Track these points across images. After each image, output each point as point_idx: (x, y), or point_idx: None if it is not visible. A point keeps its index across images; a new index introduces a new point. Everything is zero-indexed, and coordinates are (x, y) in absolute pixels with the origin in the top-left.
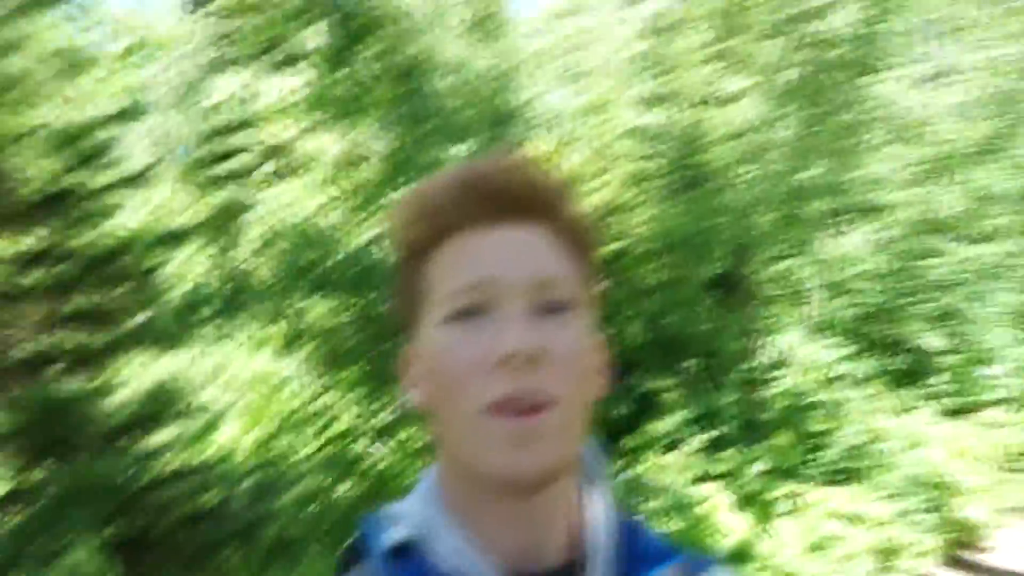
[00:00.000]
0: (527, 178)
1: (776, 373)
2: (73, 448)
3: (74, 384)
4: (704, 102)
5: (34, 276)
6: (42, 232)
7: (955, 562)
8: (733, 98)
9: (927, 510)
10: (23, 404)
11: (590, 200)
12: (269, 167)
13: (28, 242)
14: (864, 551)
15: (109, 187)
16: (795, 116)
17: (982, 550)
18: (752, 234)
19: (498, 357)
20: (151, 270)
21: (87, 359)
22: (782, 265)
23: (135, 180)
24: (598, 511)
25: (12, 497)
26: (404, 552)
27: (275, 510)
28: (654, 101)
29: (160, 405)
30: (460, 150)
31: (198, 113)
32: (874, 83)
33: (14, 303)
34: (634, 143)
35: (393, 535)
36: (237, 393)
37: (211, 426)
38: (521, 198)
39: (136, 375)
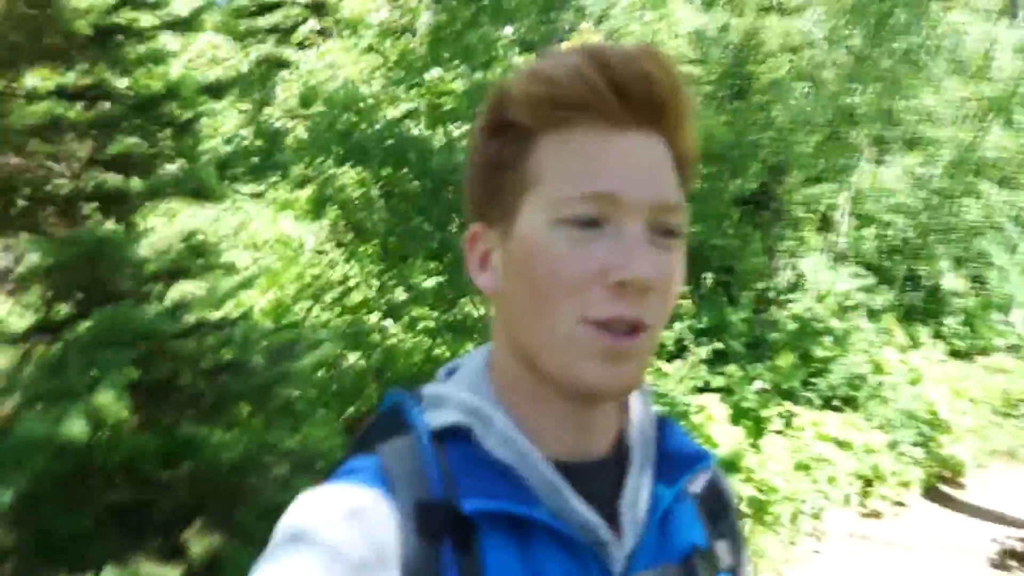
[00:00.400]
0: (670, 85)
1: (791, 295)
2: (104, 290)
3: (109, 226)
4: (765, 9)
5: (76, 112)
6: (86, 68)
7: (933, 495)
8: (796, 9)
9: (915, 444)
10: (59, 241)
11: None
12: (313, 24)
13: (72, 77)
14: (847, 475)
15: (155, 28)
16: (856, 36)
17: (961, 487)
18: (792, 153)
19: (618, 279)
20: (196, 117)
21: (123, 202)
22: (816, 189)
23: (181, 24)
24: (639, 410)
25: (42, 329)
26: (450, 435)
27: (291, 372)
28: (714, 2)
29: (190, 256)
30: (507, 32)
31: None
32: (943, 10)
33: (54, 138)
34: (687, 45)
35: (441, 417)
36: (259, 253)
37: (248, 283)
38: (659, 104)
39: (169, 224)
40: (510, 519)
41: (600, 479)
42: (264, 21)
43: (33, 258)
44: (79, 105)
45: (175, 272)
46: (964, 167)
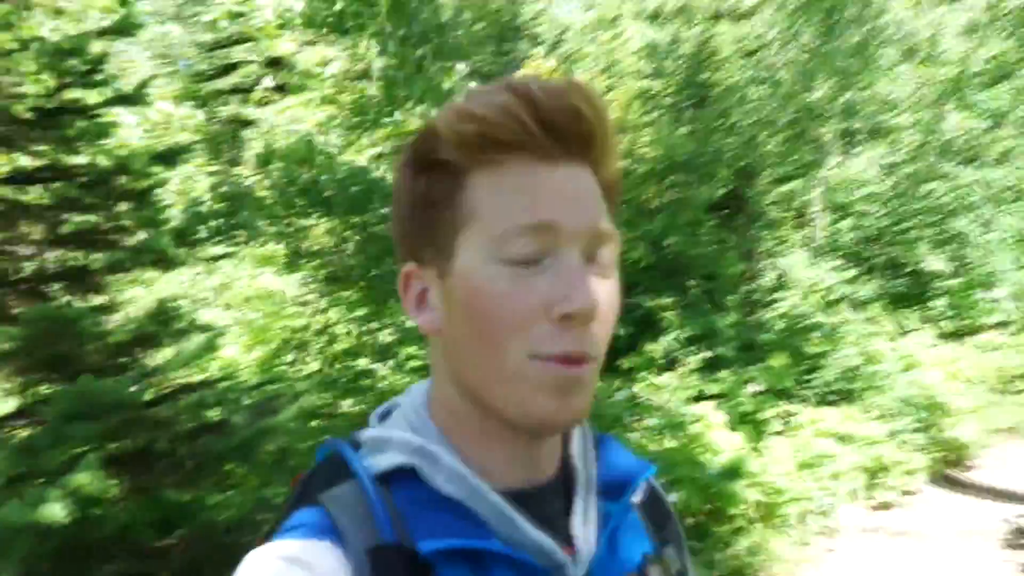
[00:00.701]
0: (597, 119)
1: (776, 295)
2: (75, 366)
3: (75, 303)
4: (716, 17)
5: (32, 194)
6: (39, 149)
7: (943, 479)
8: (746, 14)
9: (917, 430)
10: (25, 321)
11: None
12: (269, 82)
13: (25, 160)
14: (853, 469)
15: (106, 103)
16: (806, 34)
17: (969, 468)
18: (758, 155)
19: (562, 312)
20: (150, 188)
21: (86, 278)
22: (787, 187)
23: (132, 97)
24: (577, 430)
25: (17, 414)
26: (394, 477)
27: (276, 425)
28: (664, 16)
29: (161, 323)
30: (462, 68)
31: (198, 26)
32: (885, 1)
33: (13, 221)
34: (642, 60)
35: (386, 460)
36: (239, 311)
37: (212, 344)
38: (587, 137)
39: (137, 294)
40: (465, 554)
41: (549, 502)
42: (224, 82)
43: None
44: (33, 188)
45: (144, 340)
46: (927, 150)
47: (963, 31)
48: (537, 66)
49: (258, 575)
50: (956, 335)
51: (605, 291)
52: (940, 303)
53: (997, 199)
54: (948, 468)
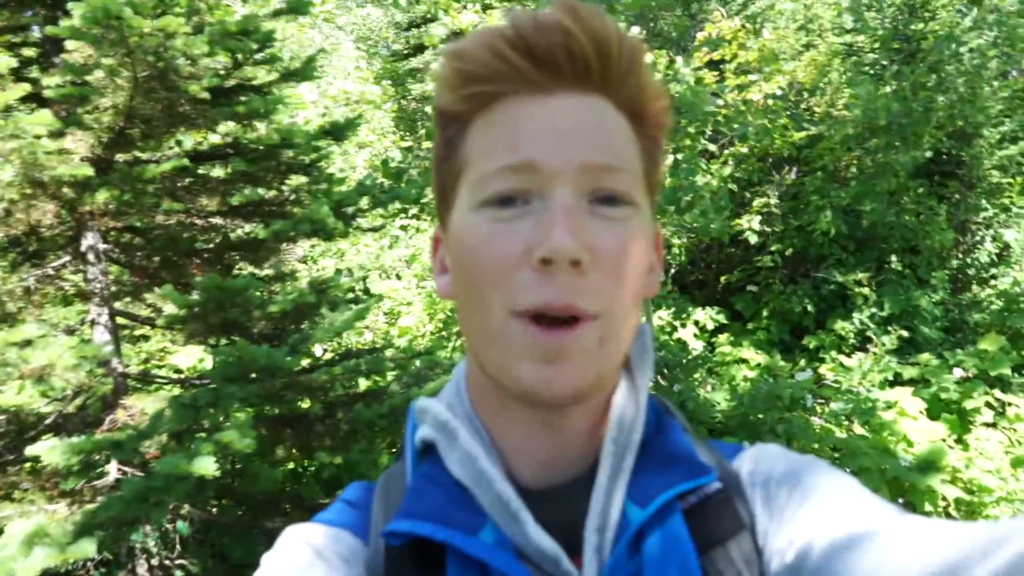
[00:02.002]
0: (590, 37)
1: (995, 271)
2: (242, 332)
3: (246, 271)
4: None
5: (210, 169)
6: (220, 127)
7: None
8: None
9: None
10: (200, 289)
11: (789, 78)
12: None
13: (209, 137)
14: None
15: (277, 80)
16: None
17: None
18: (976, 114)
19: (537, 256)
20: (315, 161)
21: (256, 248)
22: (1013, 149)
23: (300, 72)
24: (622, 410)
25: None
26: (427, 451)
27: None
28: None
29: (320, 293)
30: (636, 31)
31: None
32: None
33: (194, 195)
34: (842, 14)
35: (421, 434)
36: (423, 280)
37: (361, 315)
38: (581, 60)
39: (325, 264)
40: (474, 559)
41: (573, 501)
42: (417, 61)
43: (173, 308)
44: (216, 164)
45: (301, 310)
46: None
47: None
48: (721, 27)
49: (280, 558)
50: None
51: (606, 233)
52: None
53: None
54: None
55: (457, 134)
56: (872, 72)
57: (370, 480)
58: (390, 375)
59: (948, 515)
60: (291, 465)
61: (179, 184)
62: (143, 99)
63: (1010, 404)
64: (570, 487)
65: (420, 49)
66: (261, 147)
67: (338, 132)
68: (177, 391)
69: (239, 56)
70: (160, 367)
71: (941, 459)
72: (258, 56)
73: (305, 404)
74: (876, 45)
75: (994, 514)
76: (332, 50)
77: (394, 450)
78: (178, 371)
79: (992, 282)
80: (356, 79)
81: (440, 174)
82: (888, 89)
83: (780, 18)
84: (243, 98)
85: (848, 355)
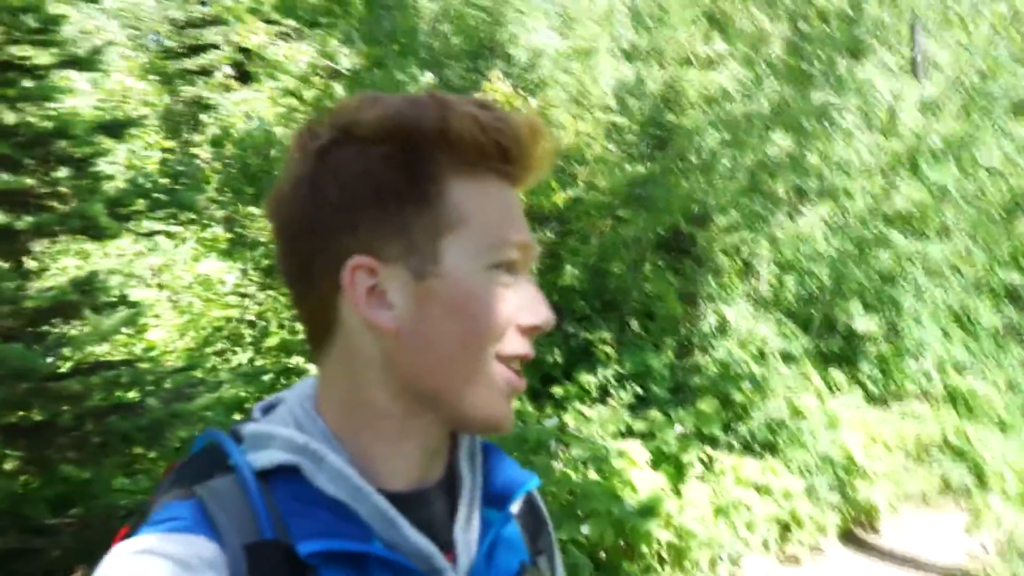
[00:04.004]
0: (548, 162)
1: (713, 341)
2: None
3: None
4: (686, 62)
5: None
6: None
7: (849, 539)
8: (713, 62)
9: (832, 488)
10: None
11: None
12: (228, 69)
13: None
14: (766, 520)
15: (56, 65)
16: (772, 89)
17: (876, 531)
18: (712, 202)
19: (534, 323)
20: (90, 156)
21: (10, 240)
22: (736, 236)
23: (85, 61)
24: (466, 437)
25: None
26: (275, 474)
27: (189, 411)
28: (636, 55)
29: (84, 294)
30: (427, 77)
31: (173, 1)
32: (853, 66)
33: None
34: (610, 95)
35: (267, 457)
36: (176, 295)
37: (132, 320)
38: (534, 173)
39: (69, 264)
40: (346, 556)
41: (434, 505)
42: (191, 63)
43: None
44: None
45: (61, 309)
46: (875, 217)
47: (921, 106)
48: (495, 88)
49: (125, 572)
50: (881, 399)
51: None
52: (869, 366)
53: (933, 272)
54: (857, 529)
55: (434, 186)
56: (629, 151)
57: (105, 500)
58: (145, 390)
59: (660, 557)
60: (19, 480)
61: None
62: None
63: (716, 460)
64: (429, 494)
65: (196, 50)
66: (26, 132)
67: (117, 129)
68: None
69: (16, 33)
70: None
71: (659, 506)
72: (37, 37)
73: (37, 415)
74: (635, 128)
75: (696, 557)
76: (93, 33)
77: (135, 469)
78: None
79: (712, 351)
80: (123, 71)
81: (396, 213)
82: (641, 167)
83: (555, 87)
84: (17, 78)
85: (590, 406)
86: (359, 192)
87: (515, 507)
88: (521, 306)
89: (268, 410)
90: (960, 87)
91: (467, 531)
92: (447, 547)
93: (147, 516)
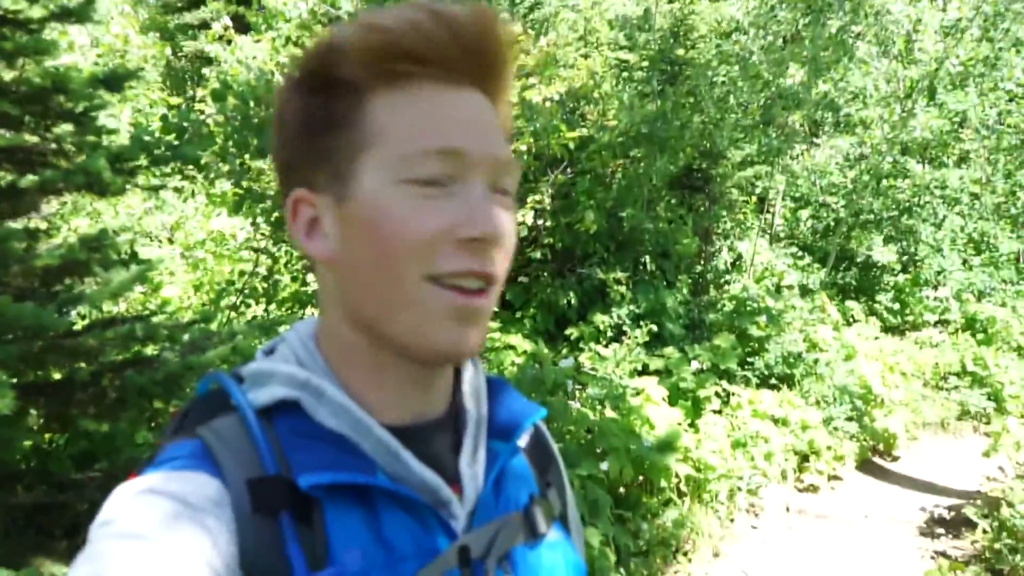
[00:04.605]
0: (506, 47)
1: (728, 277)
2: (2, 287)
3: (6, 222)
4: None
5: None
6: None
7: (867, 467)
8: None
9: (849, 419)
10: None
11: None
12: (227, 20)
13: None
14: (785, 451)
15: (47, 18)
16: (785, 20)
17: (894, 459)
18: (724, 136)
19: (468, 235)
20: (89, 111)
21: (17, 198)
22: (750, 171)
23: (77, 12)
24: (470, 370)
25: None
26: (277, 411)
27: (204, 362)
28: None
29: (94, 250)
30: None
31: None
32: None
33: None
34: (618, 31)
35: (267, 393)
36: (188, 251)
37: (144, 277)
38: (492, 65)
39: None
40: (351, 489)
41: (438, 439)
42: (192, 16)
43: None
44: None
45: (72, 267)
46: (892, 146)
47: (943, 30)
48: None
49: (131, 508)
50: (898, 329)
51: (509, 220)
52: (886, 297)
53: (951, 200)
54: (875, 457)
55: (354, 103)
56: (639, 88)
57: (128, 454)
58: (161, 344)
59: (679, 490)
60: (43, 436)
61: None
62: None
63: (734, 394)
64: (432, 428)
65: (196, 3)
66: (23, 89)
67: (115, 82)
68: None
69: None
70: None
71: (677, 441)
72: None
73: (57, 373)
74: (645, 64)
75: (715, 489)
76: None
77: (157, 423)
78: None
79: (726, 287)
80: (122, 25)
81: (320, 140)
82: (652, 105)
83: (562, 25)
84: (3, 30)
85: (605, 346)
86: (293, 128)
87: (523, 441)
88: (456, 220)
89: (270, 352)
90: (980, 9)
91: (473, 464)
92: (453, 480)
93: (151, 460)
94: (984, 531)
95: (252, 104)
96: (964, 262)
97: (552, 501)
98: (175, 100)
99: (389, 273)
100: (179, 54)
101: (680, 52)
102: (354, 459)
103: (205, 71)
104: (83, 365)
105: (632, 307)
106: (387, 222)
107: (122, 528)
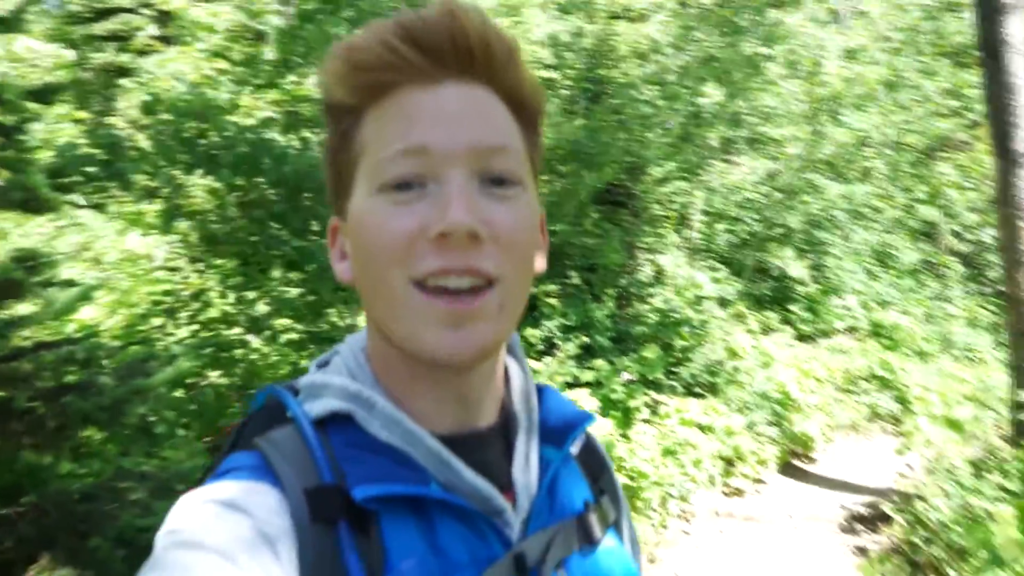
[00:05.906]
0: (473, 31)
1: (651, 290)
2: None
3: None
4: (616, 17)
5: None
6: None
7: (788, 470)
8: (644, 16)
9: (770, 423)
10: None
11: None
12: (152, 31)
13: None
14: (711, 457)
15: None
16: (701, 42)
17: (812, 460)
18: (646, 154)
19: (435, 232)
20: (17, 125)
21: None
22: (670, 187)
23: (10, 23)
24: (519, 377)
25: None
26: (331, 423)
27: (148, 387)
28: (568, 8)
29: (28, 271)
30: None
31: None
32: (781, 16)
33: None
34: (543, 50)
35: (321, 405)
36: (102, 271)
37: (85, 297)
38: (465, 52)
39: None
40: (406, 500)
41: (489, 449)
42: (100, 28)
43: None
44: None
45: (4, 288)
46: (802, 163)
47: (843, 55)
48: None
49: (194, 517)
50: (811, 337)
51: (502, 208)
52: (799, 306)
53: (856, 214)
54: (795, 459)
55: (352, 126)
56: (566, 107)
57: (55, 486)
58: (97, 367)
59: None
60: None
61: None
62: None
63: (662, 403)
64: (482, 438)
65: (104, 14)
66: None
67: (45, 96)
68: None
69: None
70: None
71: (610, 451)
72: None
73: None
74: (568, 83)
75: (648, 496)
76: None
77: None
78: None
79: (650, 300)
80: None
81: (335, 164)
82: (578, 121)
83: None
84: None
85: (538, 359)
86: (324, 158)
87: (574, 447)
88: (428, 217)
89: (324, 365)
90: (884, 36)
91: (526, 471)
92: (506, 488)
93: (210, 472)
94: (900, 525)
95: (185, 118)
96: (869, 272)
97: (606, 508)
98: (81, 114)
99: (380, 282)
100: (86, 67)
101: (603, 72)
102: (407, 470)
103: (124, 82)
104: (16, 392)
105: (563, 320)
106: (367, 231)
107: (185, 538)
